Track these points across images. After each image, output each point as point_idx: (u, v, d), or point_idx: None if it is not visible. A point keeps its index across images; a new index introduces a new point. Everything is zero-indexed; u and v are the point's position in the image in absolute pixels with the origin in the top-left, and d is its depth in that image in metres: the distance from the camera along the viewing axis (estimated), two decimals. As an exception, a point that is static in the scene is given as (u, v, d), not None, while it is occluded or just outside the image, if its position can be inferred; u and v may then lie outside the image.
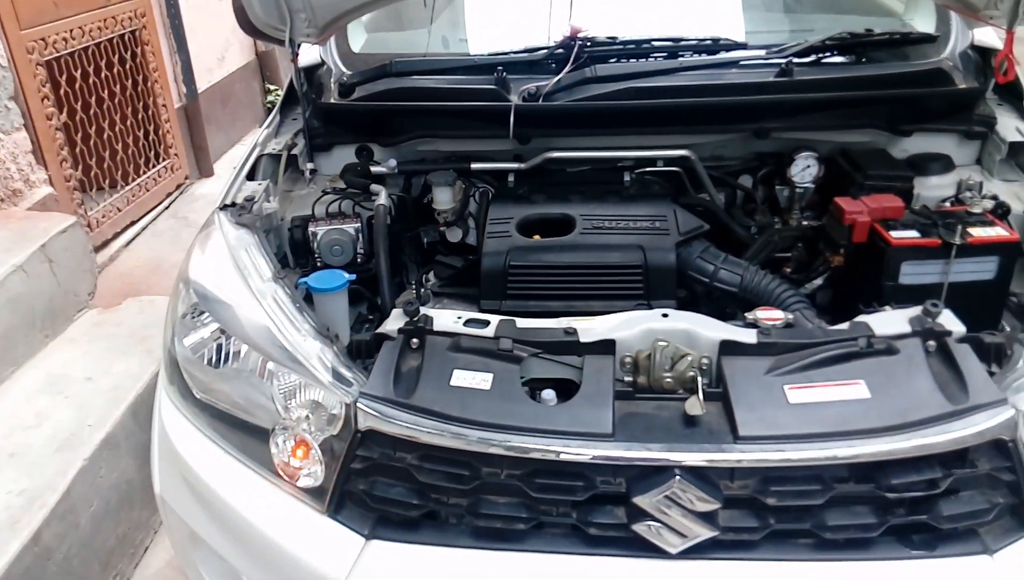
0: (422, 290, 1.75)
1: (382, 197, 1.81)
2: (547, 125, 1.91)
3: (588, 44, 1.93)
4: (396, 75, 1.97)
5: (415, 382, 1.35)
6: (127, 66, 3.95)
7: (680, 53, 1.95)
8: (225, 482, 1.47)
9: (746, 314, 1.46)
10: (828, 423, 1.24)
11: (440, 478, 1.30)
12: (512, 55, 2.00)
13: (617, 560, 1.27)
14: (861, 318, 1.40)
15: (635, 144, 1.94)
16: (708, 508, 1.23)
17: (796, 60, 1.89)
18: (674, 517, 1.23)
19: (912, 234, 1.60)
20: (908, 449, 1.21)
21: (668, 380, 1.34)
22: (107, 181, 3.88)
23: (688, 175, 1.94)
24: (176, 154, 4.42)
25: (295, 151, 2.03)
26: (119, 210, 3.89)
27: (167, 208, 4.28)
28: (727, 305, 1.71)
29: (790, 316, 1.45)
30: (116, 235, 3.86)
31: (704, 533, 1.24)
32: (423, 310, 1.46)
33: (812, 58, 1.94)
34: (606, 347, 1.37)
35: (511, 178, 1.94)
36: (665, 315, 1.40)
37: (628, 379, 1.37)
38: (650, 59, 1.96)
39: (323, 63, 2.16)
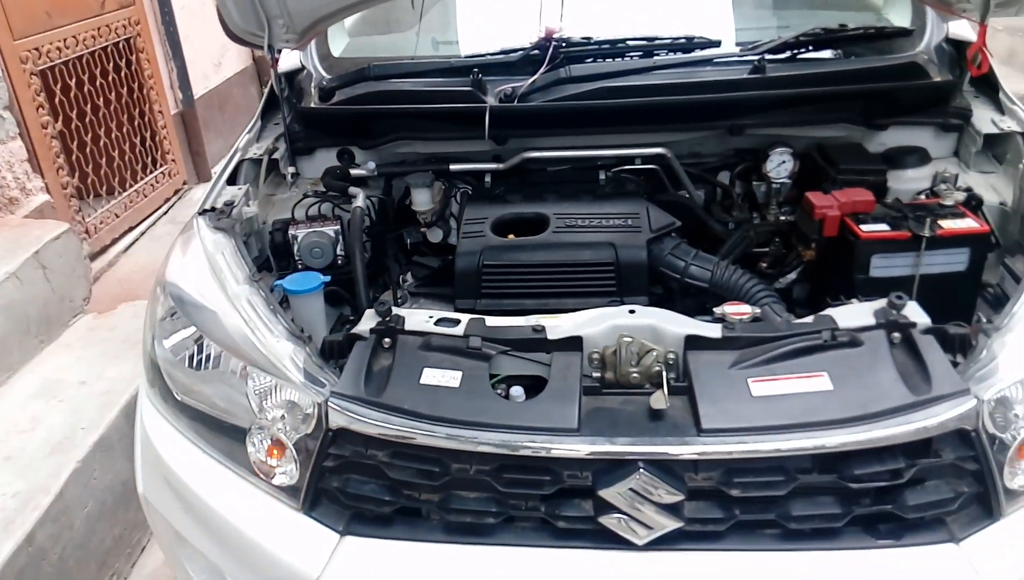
0: (399, 290, 1.77)
1: (359, 200, 1.84)
2: (523, 125, 1.93)
3: (563, 45, 1.95)
4: (374, 78, 2.00)
5: (386, 381, 1.37)
6: (122, 73, 3.99)
7: (655, 52, 1.96)
8: (204, 482, 1.49)
9: (714, 309, 1.47)
10: (790, 415, 1.25)
11: (411, 474, 1.33)
12: (488, 57, 2.02)
13: (586, 552, 1.30)
14: (826, 311, 1.42)
15: (612, 143, 1.96)
16: (672, 500, 1.25)
17: (769, 57, 1.90)
18: (639, 509, 1.25)
19: (882, 227, 1.60)
20: (869, 440, 1.22)
21: (634, 375, 1.36)
22: (105, 188, 3.92)
23: (666, 172, 1.95)
24: (174, 160, 4.47)
25: (276, 155, 2.05)
26: (117, 216, 3.93)
27: (165, 213, 4.32)
28: (706, 301, 1.73)
29: (757, 310, 1.46)
30: (114, 241, 3.91)
31: (670, 524, 1.26)
32: (396, 310, 1.48)
33: (787, 54, 1.95)
34: (573, 344, 1.39)
35: (488, 178, 1.96)
36: (632, 311, 1.42)
37: (596, 375, 1.39)
38: (625, 58, 1.97)
39: (303, 68, 2.18)
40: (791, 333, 1.36)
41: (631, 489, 1.24)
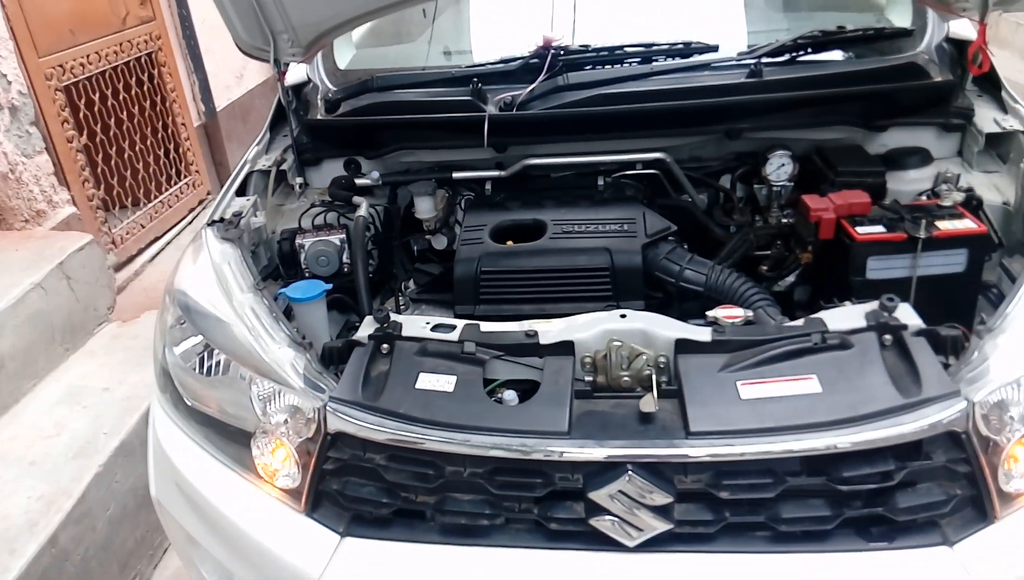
0: (402, 297, 1.80)
1: (362, 209, 1.88)
2: (522, 133, 1.95)
3: (562, 53, 1.97)
4: (377, 90, 2.04)
5: (383, 386, 1.41)
6: (145, 87, 4.09)
7: (653, 58, 1.98)
8: (213, 486, 1.54)
9: (707, 312, 1.49)
10: (778, 418, 1.26)
11: (407, 477, 1.36)
12: (488, 66, 2.05)
13: (578, 554, 1.31)
14: (818, 314, 1.42)
15: (612, 149, 1.98)
16: (662, 502, 1.26)
17: (767, 60, 1.90)
18: (629, 511, 1.27)
19: (878, 229, 1.60)
20: (857, 442, 1.23)
21: (625, 379, 1.38)
22: (130, 199, 4.02)
23: (666, 177, 1.97)
24: (197, 171, 4.56)
25: (284, 167, 2.10)
26: (142, 227, 4.03)
27: (190, 223, 4.42)
28: (707, 305, 1.74)
29: (750, 313, 1.47)
30: (140, 251, 4.00)
31: (660, 526, 1.28)
32: (393, 317, 1.51)
33: (786, 57, 1.95)
34: (565, 348, 1.41)
35: (488, 186, 1.99)
36: (623, 316, 1.44)
37: (588, 379, 1.41)
38: (624, 65, 1.99)
39: (310, 80, 2.23)
40: (781, 336, 1.37)
41: (620, 491, 1.26)
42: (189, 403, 1.61)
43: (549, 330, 1.44)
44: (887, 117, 1.91)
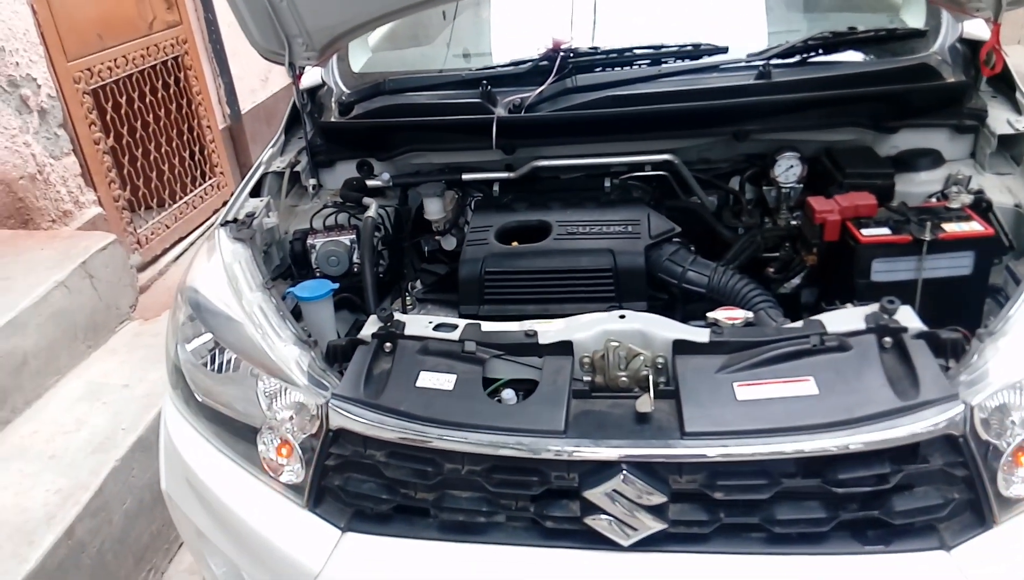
0: (408, 297, 1.83)
1: (371, 210, 1.91)
2: (530, 135, 1.97)
3: (571, 55, 1.99)
4: (389, 92, 2.07)
5: (384, 384, 1.43)
6: (171, 90, 4.17)
7: (662, 60, 1.98)
8: (220, 481, 1.57)
9: (708, 313, 1.49)
10: (774, 419, 1.26)
11: (407, 474, 1.38)
12: (499, 69, 2.07)
13: (573, 552, 1.32)
14: (817, 316, 1.42)
15: (620, 150, 1.99)
16: (656, 502, 1.27)
17: (776, 61, 1.90)
18: (623, 510, 1.28)
19: (883, 231, 1.59)
20: (851, 445, 1.22)
21: (623, 379, 1.39)
22: (155, 200, 4.11)
23: (675, 178, 1.97)
24: (222, 172, 4.64)
25: (298, 168, 2.14)
26: (167, 227, 4.11)
27: (214, 224, 4.49)
28: (712, 307, 1.74)
29: (750, 315, 1.47)
30: (165, 251, 4.08)
31: (654, 526, 1.28)
32: (397, 316, 1.54)
33: (797, 59, 1.95)
34: (564, 348, 1.42)
35: (495, 187, 2.01)
36: (622, 317, 1.45)
37: (587, 378, 1.42)
38: (633, 67, 2.00)
39: (324, 84, 2.27)
40: (779, 338, 1.37)
41: (615, 490, 1.27)
42: (200, 399, 1.64)
43: (548, 330, 1.45)
44: (898, 119, 1.90)
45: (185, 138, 4.32)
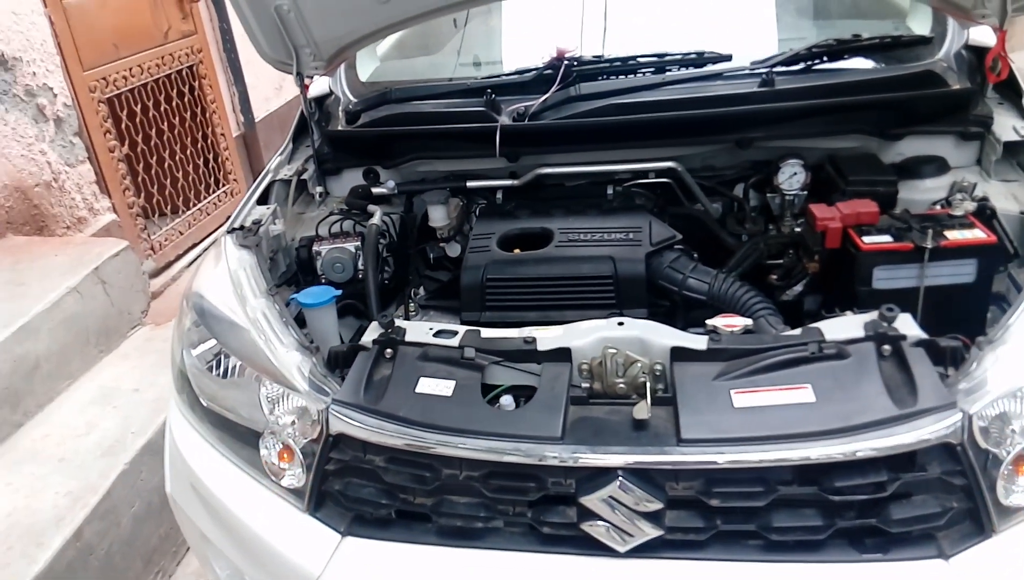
0: (412, 303, 1.84)
1: (375, 217, 1.93)
2: (533, 143, 1.98)
3: (575, 64, 2.00)
4: (395, 101, 2.09)
5: (384, 389, 1.44)
6: (185, 99, 4.22)
7: (666, 68, 1.99)
8: (223, 485, 1.59)
9: (707, 321, 1.49)
10: (771, 427, 1.26)
11: (405, 479, 1.39)
12: (503, 77, 2.08)
13: (570, 558, 1.33)
14: (816, 323, 1.42)
15: (624, 158, 1.99)
16: (652, 508, 1.27)
17: (780, 69, 1.90)
18: (619, 517, 1.28)
19: (884, 239, 1.59)
20: (847, 452, 1.22)
21: (621, 386, 1.40)
22: (169, 207, 4.16)
23: (679, 186, 1.98)
24: (235, 180, 4.69)
25: (305, 176, 2.16)
26: (181, 233, 4.15)
27: (227, 231, 4.54)
28: (715, 315, 1.74)
29: (749, 322, 1.47)
30: (178, 257, 4.13)
31: (650, 533, 1.28)
32: (398, 322, 1.55)
33: (801, 66, 1.95)
34: (562, 355, 1.43)
35: (499, 194, 2.02)
36: (621, 324, 1.45)
37: (585, 385, 1.42)
38: (637, 75, 2.01)
39: (331, 93, 2.30)
40: (777, 345, 1.37)
41: (611, 497, 1.27)
42: (205, 404, 1.66)
43: (547, 337, 1.46)
44: (902, 126, 1.89)
45: (199, 146, 4.37)
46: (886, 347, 1.34)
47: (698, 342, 1.39)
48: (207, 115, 4.42)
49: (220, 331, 1.63)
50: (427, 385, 1.43)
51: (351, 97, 2.26)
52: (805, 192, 1.91)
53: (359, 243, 1.96)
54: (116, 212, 3.60)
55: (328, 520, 1.45)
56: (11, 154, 3.08)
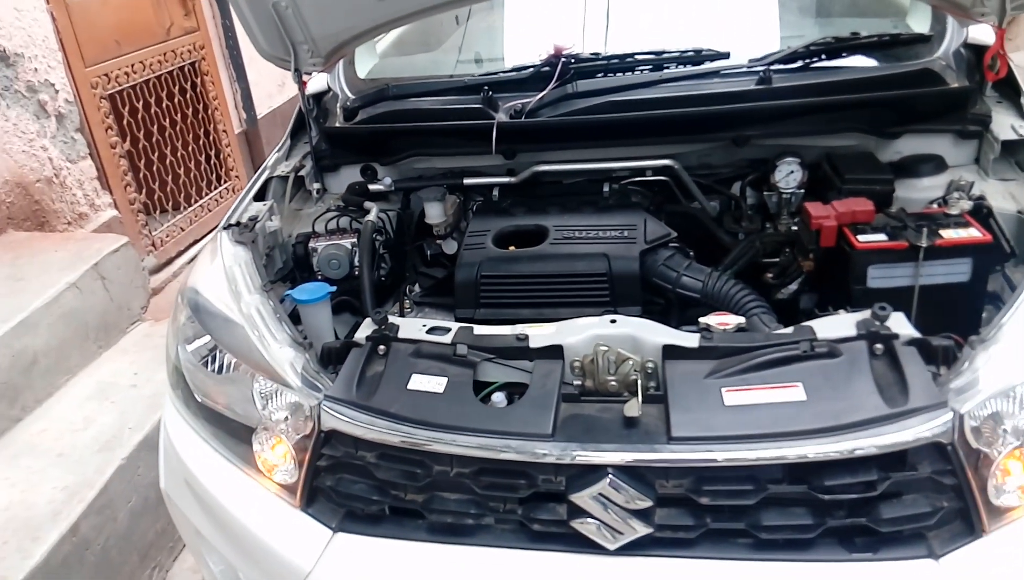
0: (407, 299, 1.84)
1: (371, 214, 1.93)
2: (531, 140, 1.98)
3: (573, 61, 2.00)
4: (393, 98, 2.09)
5: (376, 386, 1.44)
6: (188, 95, 4.23)
7: (664, 65, 1.99)
8: (216, 480, 1.59)
9: (700, 319, 1.49)
10: (761, 425, 1.26)
11: (397, 475, 1.39)
12: (500, 75, 2.08)
13: (560, 555, 1.32)
14: (809, 322, 1.41)
15: (621, 155, 1.99)
16: (642, 506, 1.27)
17: (777, 67, 1.90)
18: (609, 515, 1.28)
19: (879, 237, 1.58)
20: (837, 451, 1.22)
21: (612, 383, 1.39)
22: (171, 203, 4.17)
23: (676, 183, 1.97)
24: (237, 176, 4.70)
25: (303, 173, 2.16)
26: (182, 230, 4.17)
27: (228, 227, 4.55)
28: (711, 313, 1.74)
29: (742, 320, 1.47)
30: (179, 253, 4.14)
31: (640, 530, 1.28)
32: (391, 319, 1.55)
33: (799, 64, 1.94)
34: (554, 352, 1.43)
35: (495, 192, 2.02)
36: (613, 321, 1.45)
37: (577, 383, 1.42)
38: (635, 72, 2.00)
39: (330, 89, 2.30)
40: (768, 344, 1.36)
41: (601, 494, 1.27)
42: (199, 399, 1.67)
43: (539, 334, 1.46)
44: (899, 124, 1.88)
45: (201, 142, 4.38)
46: (878, 346, 1.34)
47: (690, 340, 1.39)
48: (209, 112, 4.43)
49: (214, 327, 1.64)
50: (419, 382, 1.43)
51: (349, 94, 2.26)
52: (802, 190, 1.91)
53: (355, 240, 1.95)
54: (117, 208, 3.61)
55: (320, 516, 1.45)
56: (12, 150, 3.09)
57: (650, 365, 1.40)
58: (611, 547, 1.30)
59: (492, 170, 2.08)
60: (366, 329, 1.55)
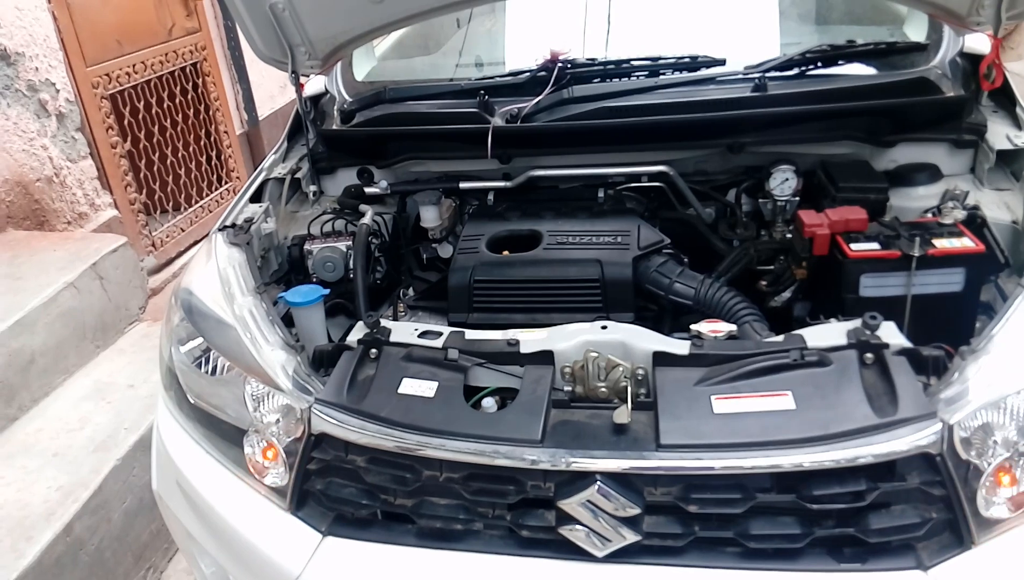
0: (400, 303, 1.85)
1: (366, 217, 1.93)
2: (526, 145, 1.98)
3: (569, 66, 2.00)
4: (389, 101, 2.09)
5: (367, 390, 1.44)
6: (189, 96, 4.24)
7: (660, 71, 1.99)
8: (207, 483, 1.59)
9: (691, 326, 1.49)
10: (749, 433, 1.26)
11: (386, 479, 1.39)
12: (497, 79, 2.09)
13: (548, 562, 1.32)
14: (799, 331, 1.41)
15: (616, 161, 1.99)
16: (630, 513, 1.27)
17: (773, 74, 1.90)
18: (597, 521, 1.28)
19: (872, 246, 1.58)
20: (825, 460, 1.22)
21: (602, 390, 1.39)
22: (171, 204, 4.17)
23: (671, 190, 1.97)
24: (238, 177, 4.70)
25: (299, 175, 2.17)
26: (183, 230, 4.17)
27: (229, 227, 4.55)
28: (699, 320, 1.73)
29: (733, 328, 1.47)
30: (180, 254, 4.15)
31: (628, 538, 1.28)
32: (383, 322, 1.55)
33: (795, 71, 1.94)
34: (545, 358, 1.43)
35: (490, 196, 2.02)
36: (604, 327, 1.45)
37: (568, 388, 1.42)
38: (631, 78, 2.01)
39: (327, 91, 2.30)
40: (758, 352, 1.36)
41: (589, 501, 1.27)
42: (192, 401, 1.67)
43: (530, 340, 1.46)
44: (894, 133, 1.88)
45: (202, 143, 4.39)
46: (868, 355, 1.34)
47: (680, 347, 1.39)
48: (210, 112, 4.44)
49: (206, 328, 1.64)
50: (410, 386, 1.43)
51: (346, 96, 2.26)
52: (797, 198, 1.91)
53: (351, 242, 1.96)
54: (117, 208, 3.62)
55: (309, 519, 1.45)
56: (12, 149, 3.10)
57: (640, 372, 1.39)
58: (599, 554, 1.29)
59: (488, 174, 2.08)
60: (358, 332, 1.55)
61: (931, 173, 1.87)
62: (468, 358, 1.46)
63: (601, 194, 1.96)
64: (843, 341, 1.36)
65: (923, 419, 1.22)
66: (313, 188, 2.19)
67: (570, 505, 1.28)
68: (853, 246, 1.59)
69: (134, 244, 3.28)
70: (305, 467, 1.45)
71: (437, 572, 1.36)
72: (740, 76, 1.94)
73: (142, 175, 3.90)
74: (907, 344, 1.36)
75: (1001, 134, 1.84)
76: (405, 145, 2.09)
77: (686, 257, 1.83)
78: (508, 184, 2.03)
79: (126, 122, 3.74)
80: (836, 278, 1.61)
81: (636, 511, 1.26)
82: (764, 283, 1.85)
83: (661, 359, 1.39)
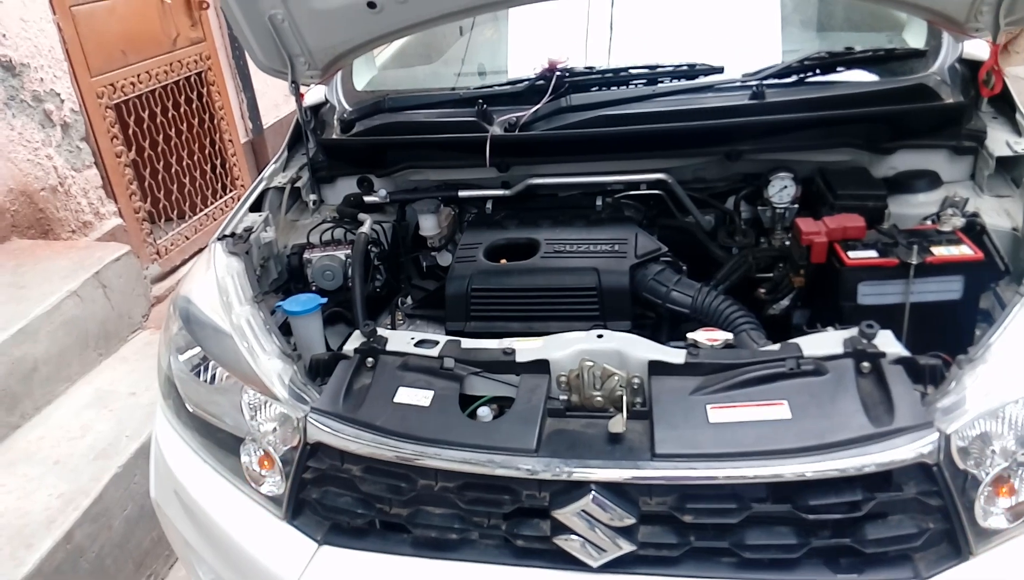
0: (399, 312, 1.85)
1: (365, 226, 1.93)
2: (524, 153, 1.99)
3: (567, 75, 2.00)
4: (389, 110, 2.10)
5: (363, 398, 1.44)
6: (194, 105, 4.26)
7: (658, 79, 1.99)
8: (205, 491, 1.60)
9: (688, 334, 1.48)
10: (745, 443, 1.25)
11: (381, 489, 1.38)
12: (495, 88, 2.09)
13: (543, 572, 1.32)
14: (796, 339, 1.41)
15: (615, 169, 1.99)
16: (625, 523, 1.26)
17: (770, 82, 1.89)
18: (592, 531, 1.27)
19: (870, 254, 1.57)
20: (821, 470, 1.21)
21: (598, 399, 1.39)
22: (176, 212, 4.19)
23: (670, 197, 1.97)
24: (243, 185, 4.72)
25: (299, 184, 2.17)
26: (187, 239, 4.19)
27: (233, 236, 4.57)
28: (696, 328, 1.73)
29: (730, 336, 1.46)
30: (184, 262, 4.16)
31: (623, 547, 1.27)
32: (380, 331, 1.55)
33: (793, 78, 1.94)
34: (541, 367, 1.43)
35: (489, 204, 2.03)
36: (600, 336, 1.45)
37: (563, 397, 1.42)
38: (629, 86, 2.01)
39: (327, 101, 2.31)
40: (754, 361, 1.36)
41: (584, 511, 1.27)
42: (191, 410, 1.67)
43: (526, 348, 1.46)
44: (894, 140, 1.87)
45: (207, 152, 4.41)
46: (865, 364, 1.33)
47: (676, 356, 1.39)
48: (215, 121, 4.46)
49: (204, 337, 1.64)
50: (405, 395, 1.43)
51: (346, 106, 2.27)
52: (796, 205, 1.90)
53: (350, 251, 1.96)
54: (122, 217, 3.64)
55: (305, 528, 1.45)
56: (17, 158, 3.13)
57: (636, 381, 1.39)
58: (594, 564, 1.29)
59: (487, 183, 2.08)
60: (355, 341, 1.56)
61: (931, 180, 1.87)
62: (464, 367, 1.46)
63: (599, 202, 1.95)
64: (839, 350, 1.36)
65: (920, 429, 1.22)
66: (313, 197, 2.20)
67: (565, 515, 1.28)
68: (851, 254, 1.58)
69: (138, 252, 3.30)
70: (301, 476, 1.45)
71: (432, 581, 1.36)
72: (738, 84, 1.93)
73: (147, 184, 3.92)
74: (904, 353, 1.35)
75: (1001, 140, 1.83)
76: (404, 154, 2.10)
77: (685, 265, 1.83)
78: (506, 192, 2.03)
79: (131, 131, 3.76)
80: (834, 286, 1.60)
81: (631, 521, 1.26)
82: (763, 291, 1.84)
83: (657, 368, 1.38)
